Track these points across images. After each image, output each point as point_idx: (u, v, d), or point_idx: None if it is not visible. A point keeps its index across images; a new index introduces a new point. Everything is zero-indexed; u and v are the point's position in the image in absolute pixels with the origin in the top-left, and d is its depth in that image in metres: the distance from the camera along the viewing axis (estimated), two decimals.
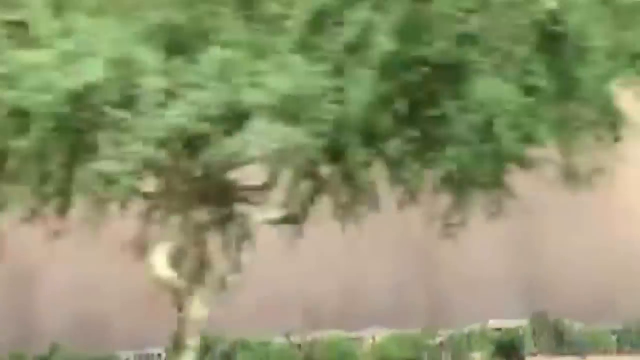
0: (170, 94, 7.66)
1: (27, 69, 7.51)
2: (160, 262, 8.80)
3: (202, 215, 9.33)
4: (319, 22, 8.01)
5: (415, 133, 8.51)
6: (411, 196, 9.02)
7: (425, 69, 8.10)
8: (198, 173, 8.88)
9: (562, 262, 49.53)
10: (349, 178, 8.91)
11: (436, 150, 8.48)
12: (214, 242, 9.57)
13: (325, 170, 8.91)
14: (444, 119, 8.28)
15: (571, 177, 8.86)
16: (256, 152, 7.85)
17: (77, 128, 7.94)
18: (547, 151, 8.95)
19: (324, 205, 9.43)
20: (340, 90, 7.92)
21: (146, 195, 9.19)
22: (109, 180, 8.00)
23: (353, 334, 57.28)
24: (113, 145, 7.68)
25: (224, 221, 9.43)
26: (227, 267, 9.48)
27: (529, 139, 8.48)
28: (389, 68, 8.07)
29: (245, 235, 9.59)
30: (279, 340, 57.38)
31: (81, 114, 7.68)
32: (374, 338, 54.76)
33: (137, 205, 9.46)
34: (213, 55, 7.70)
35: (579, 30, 8.20)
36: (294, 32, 7.96)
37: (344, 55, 7.98)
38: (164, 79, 7.73)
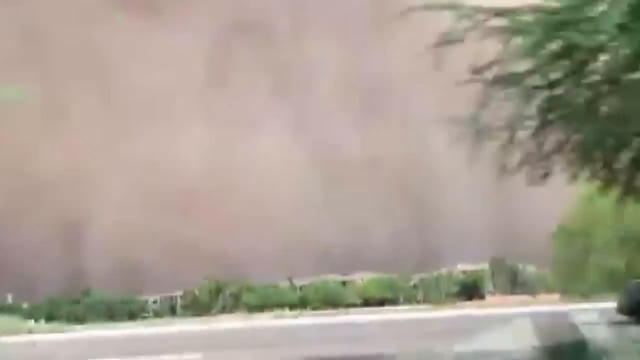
0: None
1: None
2: None
3: None
4: None
5: None
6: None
7: None
8: None
9: (525, 214, 57.42)
10: None
11: None
12: None
13: None
14: None
15: None
16: None
17: None
18: None
19: None
20: None
21: None
22: None
23: (346, 278, 65.83)
24: None
25: None
26: None
27: None
28: None
29: None
30: (284, 283, 66.40)
31: None
32: (362, 280, 64.02)
33: None
34: None
35: None
36: None
37: None
38: None
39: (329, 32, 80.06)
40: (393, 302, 62.55)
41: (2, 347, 31.82)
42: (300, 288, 66.46)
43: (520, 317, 28.35)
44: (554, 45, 7.95)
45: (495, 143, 9.55)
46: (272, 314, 56.82)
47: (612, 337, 14.71)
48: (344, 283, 67.64)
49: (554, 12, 7.84)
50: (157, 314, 59.16)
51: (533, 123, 9.19)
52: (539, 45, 7.97)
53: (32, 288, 58.35)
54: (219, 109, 78.77)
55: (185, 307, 57.14)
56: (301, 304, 64.65)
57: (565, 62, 8.03)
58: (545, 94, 8.66)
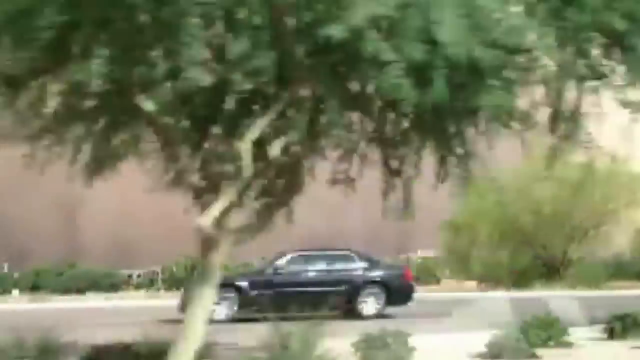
0: None
1: None
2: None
3: None
4: None
5: None
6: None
7: None
8: None
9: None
10: None
11: None
12: None
13: None
14: None
15: None
16: None
17: None
18: None
19: None
20: None
21: None
22: None
23: None
24: None
25: None
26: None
27: None
28: None
29: None
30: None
31: None
32: None
33: None
34: None
35: None
36: None
37: None
38: None
39: None
40: None
41: None
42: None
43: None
44: None
45: None
46: None
47: None
48: None
49: None
50: (138, 287, 61.33)
51: None
52: None
53: (28, 259, 59.09)
54: None
55: (164, 282, 59.13)
56: None
57: None
58: None
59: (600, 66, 8.34)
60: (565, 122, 8.71)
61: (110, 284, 55.95)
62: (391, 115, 9.10)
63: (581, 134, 8.63)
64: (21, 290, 53.53)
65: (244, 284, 21.51)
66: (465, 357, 12.28)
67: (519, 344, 11.75)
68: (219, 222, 8.75)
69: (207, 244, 9.08)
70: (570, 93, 8.53)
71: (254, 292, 21.13)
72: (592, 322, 15.69)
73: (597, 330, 14.36)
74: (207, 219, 8.55)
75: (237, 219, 9.39)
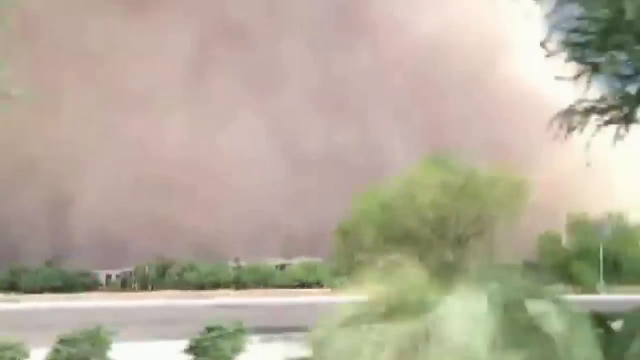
0: None
1: None
2: None
3: None
4: None
5: None
6: None
7: None
8: None
9: None
10: None
11: None
12: None
13: None
14: None
15: None
16: None
17: None
18: None
19: None
20: None
21: None
22: None
23: (287, 262, 75.62)
24: None
25: None
26: None
27: None
28: None
29: None
30: (231, 264, 70.49)
31: None
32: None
33: None
34: None
35: None
36: None
37: None
38: None
39: (300, 35, 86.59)
40: (318, 284, 67.34)
41: None
42: (239, 269, 69.48)
43: None
44: None
45: None
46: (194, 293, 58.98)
47: None
48: (283, 267, 72.00)
49: None
50: (111, 288, 63.39)
51: None
52: None
53: (16, 258, 61.72)
54: (199, 103, 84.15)
55: (137, 283, 65.50)
56: (236, 284, 66.56)
57: None
58: None
59: None
60: None
61: (85, 285, 58.54)
62: None
63: None
64: (1, 289, 54.28)
65: None
66: None
67: None
68: None
69: None
70: None
71: None
72: None
73: None
74: None
75: None
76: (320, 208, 70.52)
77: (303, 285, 69.01)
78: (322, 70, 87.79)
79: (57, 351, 12.44)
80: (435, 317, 8.13)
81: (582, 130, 10.96)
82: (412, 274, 9.94)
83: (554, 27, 10.41)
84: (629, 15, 8.04)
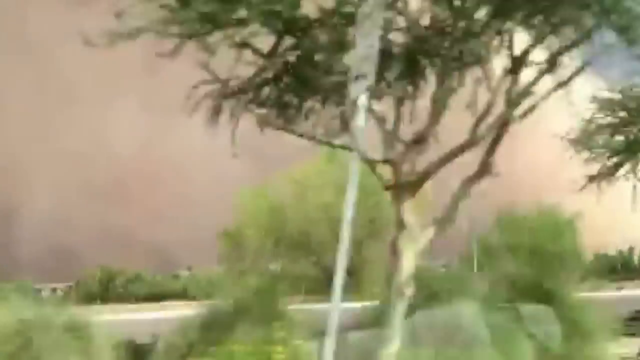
0: None
1: None
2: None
3: None
4: None
5: None
6: None
7: None
8: None
9: None
10: None
11: None
12: None
13: None
14: None
15: None
16: None
17: None
18: None
19: None
20: None
21: None
22: None
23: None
24: None
25: None
26: None
27: None
28: None
29: None
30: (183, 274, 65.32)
31: None
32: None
33: None
34: None
35: None
36: None
37: None
38: None
39: None
40: None
41: None
42: (183, 279, 66.63)
43: None
44: None
45: None
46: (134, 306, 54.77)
47: None
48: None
49: None
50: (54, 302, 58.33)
51: None
52: None
53: None
54: (151, 100, 77.48)
55: (78, 296, 61.46)
56: (182, 295, 61.71)
57: None
58: None
59: None
60: None
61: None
62: None
63: None
64: None
65: None
66: None
67: None
68: None
69: None
70: None
71: None
72: None
73: None
74: None
75: None
76: None
77: None
78: None
79: None
80: None
81: None
82: None
83: None
84: None
